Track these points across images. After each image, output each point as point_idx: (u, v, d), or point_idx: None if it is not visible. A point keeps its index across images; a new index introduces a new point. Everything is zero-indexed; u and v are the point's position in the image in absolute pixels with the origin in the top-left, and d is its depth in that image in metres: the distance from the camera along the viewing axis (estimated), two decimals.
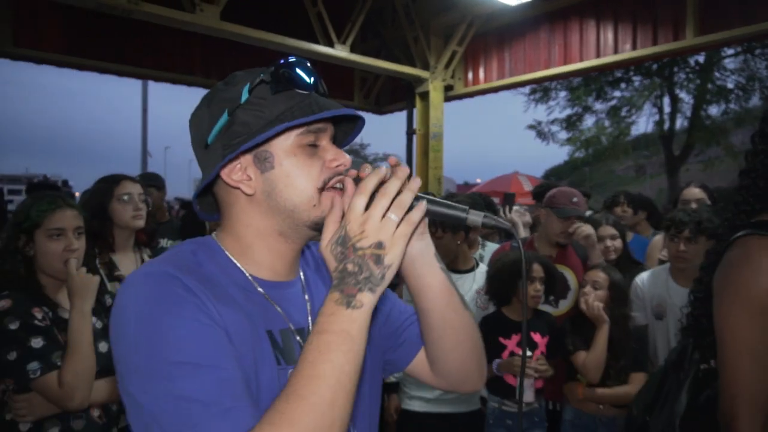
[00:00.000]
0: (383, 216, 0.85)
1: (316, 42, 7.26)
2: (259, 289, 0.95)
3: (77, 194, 5.92)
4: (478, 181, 14.01)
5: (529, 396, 2.64)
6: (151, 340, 0.78)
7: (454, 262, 3.02)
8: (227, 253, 0.95)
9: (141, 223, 2.75)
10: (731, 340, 1.21)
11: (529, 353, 2.60)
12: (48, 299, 1.98)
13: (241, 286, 0.94)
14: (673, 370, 1.45)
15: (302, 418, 0.73)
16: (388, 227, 0.84)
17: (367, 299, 0.83)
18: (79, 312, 1.88)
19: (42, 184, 8.57)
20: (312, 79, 0.93)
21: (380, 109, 9.87)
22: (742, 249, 1.25)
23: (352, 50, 7.58)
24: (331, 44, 7.34)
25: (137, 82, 19.73)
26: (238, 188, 0.93)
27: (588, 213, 4.35)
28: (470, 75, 8.90)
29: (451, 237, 2.89)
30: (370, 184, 0.87)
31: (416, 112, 8.85)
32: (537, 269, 2.72)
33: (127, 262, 2.74)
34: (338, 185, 0.94)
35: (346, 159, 0.95)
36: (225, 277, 0.92)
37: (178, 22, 5.90)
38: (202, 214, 1.04)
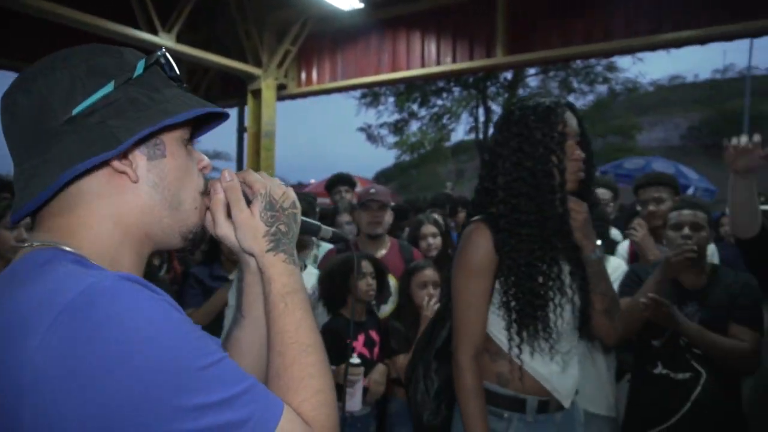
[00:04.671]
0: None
1: (138, 28, 6.71)
2: None
3: None
4: (312, 181, 14.15)
5: (354, 405, 2.52)
6: (168, 360, 0.64)
7: None
8: (92, 262, 0.75)
9: None
10: (455, 296, 1.73)
11: (358, 360, 2.58)
12: None
13: None
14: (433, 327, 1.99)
15: (321, 364, 0.82)
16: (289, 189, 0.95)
17: (296, 254, 0.92)
18: None
19: None
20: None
21: None
22: (465, 232, 1.74)
23: (179, 40, 7.14)
24: (154, 32, 6.84)
25: None
26: (125, 173, 0.78)
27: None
28: (303, 75, 8.94)
29: None
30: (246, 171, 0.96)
31: (248, 110, 8.65)
32: (366, 265, 2.80)
33: None
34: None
35: (208, 161, 0.92)
36: None
37: None
38: (23, 211, 0.76)
